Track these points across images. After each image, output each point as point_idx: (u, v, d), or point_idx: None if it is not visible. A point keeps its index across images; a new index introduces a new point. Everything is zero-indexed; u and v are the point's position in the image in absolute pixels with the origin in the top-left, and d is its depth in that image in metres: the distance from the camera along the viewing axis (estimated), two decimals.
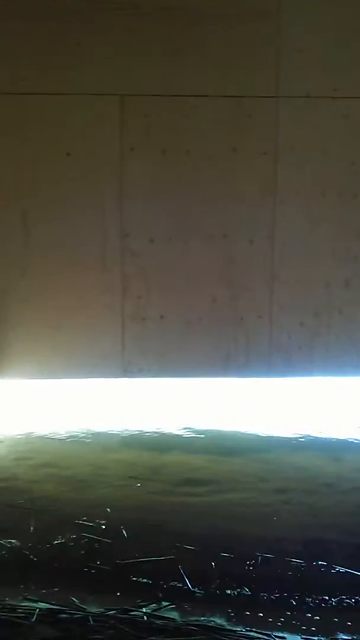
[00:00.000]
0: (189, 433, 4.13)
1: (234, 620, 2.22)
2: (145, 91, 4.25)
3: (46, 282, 4.35)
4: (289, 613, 2.28)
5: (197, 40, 4.22)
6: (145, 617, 2.17)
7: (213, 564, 2.57)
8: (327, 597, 2.38)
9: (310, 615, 2.28)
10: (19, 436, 4.07)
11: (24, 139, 4.24)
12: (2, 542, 2.70)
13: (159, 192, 4.33)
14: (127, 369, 4.45)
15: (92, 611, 2.19)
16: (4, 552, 2.64)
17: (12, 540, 2.71)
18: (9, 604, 2.24)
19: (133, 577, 2.47)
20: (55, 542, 2.72)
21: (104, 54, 4.19)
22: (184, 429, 4.20)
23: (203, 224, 4.37)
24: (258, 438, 4.09)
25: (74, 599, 2.27)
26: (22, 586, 2.39)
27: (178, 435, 4.10)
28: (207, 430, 4.20)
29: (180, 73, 4.24)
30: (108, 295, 4.38)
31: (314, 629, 2.19)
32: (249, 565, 2.57)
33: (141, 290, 4.41)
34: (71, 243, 4.33)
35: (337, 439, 4.10)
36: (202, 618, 2.20)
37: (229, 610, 2.27)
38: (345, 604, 2.35)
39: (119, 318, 4.41)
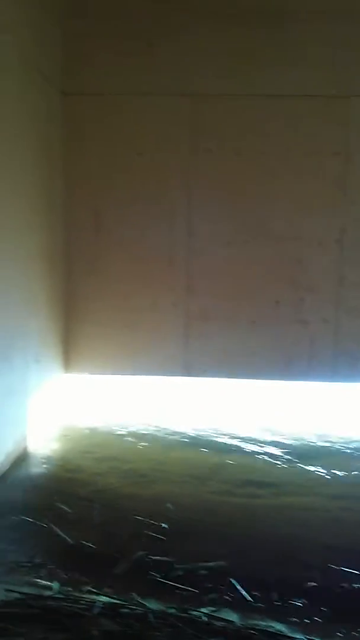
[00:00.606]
0: (250, 435, 4.11)
1: (294, 627, 2.20)
2: (218, 91, 4.26)
3: (114, 280, 4.45)
4: (349, 624, 2.24)
5: (274, 39, 4.20)
6: (204, 618, 2.19)
7: (273, 568, 2.55)
8: None
9: None
10: (84, 430, 4.16)
11: (98, 139, 4.34)
12: (66, 533, 2.77)
13: (229, 192, 4.34)
14: (190, 368, 4.49)
15: (152, 608, 2.22)
16: (68, 543, 2.71)
17: (76, 532, 2.78)
18: (72, 595, 2.31)
19: (192, 576, 2.49)
20: (117, 536, 2.77)
21: (177, 54, 4.23)
22: (245, 430, 4.19)
23: (271, 225, 4.35)
24: (322, 445, 4.02)
25: (134, 594, 2.30)
26: (84, 578, 2.44)
27: (239, 436, 4.09)
28: (271, 431, 4.17)
29: (255, 72, 4.23)
30: (173, 295, 4.43)
31: None
32: (310, 572, 2.54)
33: (206, 289, 4.43)
34: (139, 242, 4.40)
35: None
36: (262, 623, 2.19)
37: (289, 617, 2.26)
38: None
39: (183, 317, 4.45)
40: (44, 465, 3.58)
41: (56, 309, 4.43)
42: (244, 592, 2.37)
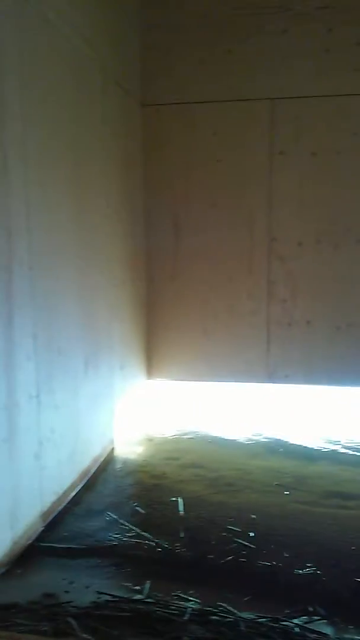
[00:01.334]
0: (335, 445, 4.00)
1: None
2: (295, 93, 4.21)
3: (194, 286, 4.47)
4: None
5: (351, 39, 4.10)
6: (296, 629, 2.14)
7: None
8: None
9: None
10: (167, 436, 4.19)
11: (177, 148, 4.39)
12: (155, 539, 2.79)
13: (309, 195, 4.27)
14: (272, 375, 4.43)
15: (243, 616, 2.19)
16: (156, 549, 2.73)
17: (163, 539, 2.80)
18: (162, 600, 2.32)
19: (284, 585, 2.44)
20: (205, 543, 2.76)
21: (255, 59, 4.22)
22: (330, 440, 4.08)
23: (356, 225, 4.23)
24: None
25: (223, 603, 2.28)
26: (173, 584, 2.45)
27: (323, 445, 3.99)
28: (355, 442, 4.04)
29: (334, 72, 4.15)
30: (254, 300, 4.39)
31: None
32: None
33: (287, 294, 4.37)
34: (219, 248, 4.41)
35: None
36: (357, 637, 2.12)
37: None
38: None
39: (264, 323, 4.41)
40: (130, 470, 3.63)
41: (138, 315, 4.50)
42: (339, 600, 2.30)
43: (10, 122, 2.59)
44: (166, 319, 4.58)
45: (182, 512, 3.01)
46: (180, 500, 3.01)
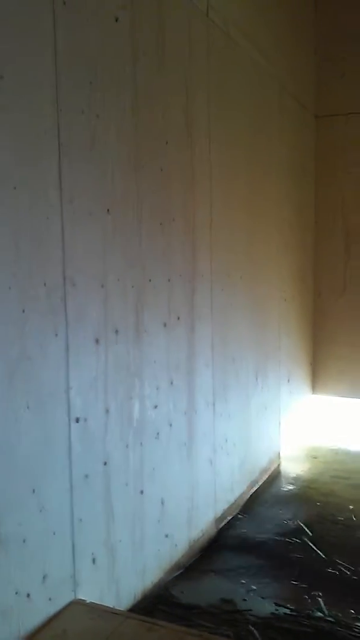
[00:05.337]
0: None
1: None
2: None
3: None
4: None
5: None
6: None
7: None
8: None
9: None
10: (333, 453, 4.07)
11: (350, 159, 4.30)
12: (329, 557, 2.72)
13: None
14: None
15: None
16: (331, 568, 2.65)
17: (338, 557, 2.71)
18: (343, 620, 2.24)
19: None
20: None
21: None
22: None
23: None
24: None
25: None
26: (353, 605, 2.36)
27: None
28: None
29: None
30: None
31: None
32: None
33: None
34: None
35: None
36: None
37: None
38: None
39: None
40: (297, 486, 3.57)
41: (305, 329, 4.44)
42: None
43: (199, 137, 2.70)
44: (333, 334, 4.47)
45: None
46: None
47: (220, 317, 2.96)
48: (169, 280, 2.48)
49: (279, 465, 3.83)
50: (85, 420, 1.95)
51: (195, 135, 2.67)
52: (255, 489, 3.44)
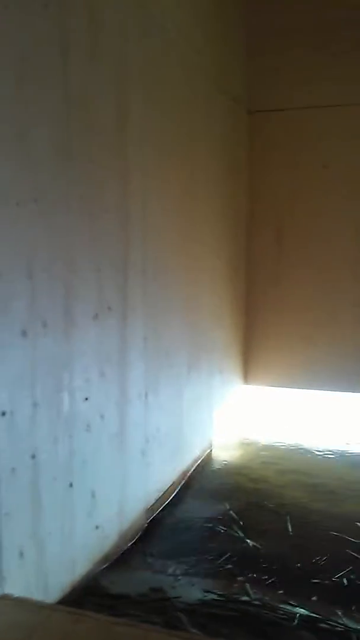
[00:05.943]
0: None
1: None
2: None
3: (295, 293, 4.43)
4: None
5: None
6: None
7: None
8: None
9: None
10: (264, 441, 4.18)
11: (283, 154, 4.39)
12: (259, 543, 2.79)
13: None
14: None
15: (355, 627, 2.15)
16: (261, 553, 2.73)
17: (268, 542, 2.79)
18: (269, 604, 2.31)
19: None
20: (312, 550, 2.72)
21: None
22: None
23: None
24: None
25: (335, 611, 2.25)
26: (280, 591, 2.43)
27: None
28: None
29: None
30: (358, 309, 4.29)
31: None
32: None
33: None
34: (322, 255, 4.35)
35: None
36: None
37: None
38: None
39: None
40: (229, 473, 3.64)
41: (238, 321, 4.52)
42: None
43: (133, 129, 2.69)
44: (265, 326, 4.57)
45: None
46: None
47: (153, 308, 2.98)
48: (100, 271, 2.47)
49: (211, 454, 3.90)
50: (12, 413, 1.92)
51: (128, 127, 2.66)
52: (187, 478, 3.49)
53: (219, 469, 3.73)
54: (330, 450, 3.97)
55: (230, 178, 4.19)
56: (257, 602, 2.32)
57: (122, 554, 2.68)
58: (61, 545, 2.22)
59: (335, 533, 2.84)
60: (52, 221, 2.12)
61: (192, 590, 2.43)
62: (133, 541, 2.79)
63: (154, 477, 3.05)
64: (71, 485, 2.26)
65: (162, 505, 3.14)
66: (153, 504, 3.04)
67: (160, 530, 2.93)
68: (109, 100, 2.50)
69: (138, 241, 2.79)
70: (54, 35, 2.10)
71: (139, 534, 2.85)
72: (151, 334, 2.96)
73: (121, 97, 2.59)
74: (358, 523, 2.94)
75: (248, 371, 4.71)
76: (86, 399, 2.37)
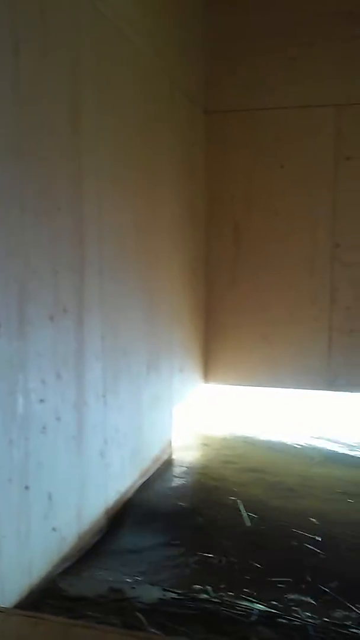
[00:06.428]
0: None
1: None
2: None
3: (254, 293, 4.48)
4: None
5: None
6: None
7: None
8: None
9: None
10: (224, 440, 4.21)
11: (240, 155, 4.42)
12: (217, 540, 2.81)
13: None
14: (333, 382, 4.38)
15: (311, 621, 2.18)
16: (219, 550, 2.74)
17: (226, 540, 2.81)
18: (228, 601, 2.33)
19: (352, 591, 2.41)
20: (270, 546, 2.75)
21: (320, 66, 4.21)
22: None
23: None
24: None
25: (292, 605, 2.28)
26: (237, 585, 2.45)
27: None
28: None
29: None
30: (315, 307, 4.36)
31: None
32: None
33: (350, 301, 4.32)
34: (280, 254, 4.40)
35: None
36: None
37: None
38: None
39: (326, 330, 4.37)
40: (189, 472, 3.66)
41: (197, 320, 4.54)
42: None
43: (87, 128, 2.67)
44: (225, 325, 4.60)
45: (247, 522, 3.01)
46: (241, 507, 3.04)
47: (111, 308, 2.96)
48: (55, 271, 2.44)
49: (171, 453, 3.91)
50: None
51: (82, 127, 2.64)
52: (147, 478, 3.49)
53: (179, 467, 3.73)
54: (288, 447, 4.03)
55: (187, 179, 4.20)
56: (215, 600, 2.33)
57: (81, 555, 2.66)
58: (17, 549, 2.19)
59: (290, 529, 2.88)
60: (4, 220, 2.09)
61: (152, 590, 2.43)
62: (93, 542, 2.77)
63: (114, 478, 3.04)
64: (27, 487, 2.24)
65: (122, 504, 3.13)
66: (113, 504, 3.03)
67: (121, 530, 2.92)
68: (62, 100, 2.48)
69: (94, 241, 2.77)
70: (4, 30, 2.07)
71: (99, 536, 2.83)
72: (109, 334, 2.94)
73: (75, 97, 2.57)
74: (315, 521, 2.99)
75: (208, 370, 4.73)
76: (41, 400, 2.34)
